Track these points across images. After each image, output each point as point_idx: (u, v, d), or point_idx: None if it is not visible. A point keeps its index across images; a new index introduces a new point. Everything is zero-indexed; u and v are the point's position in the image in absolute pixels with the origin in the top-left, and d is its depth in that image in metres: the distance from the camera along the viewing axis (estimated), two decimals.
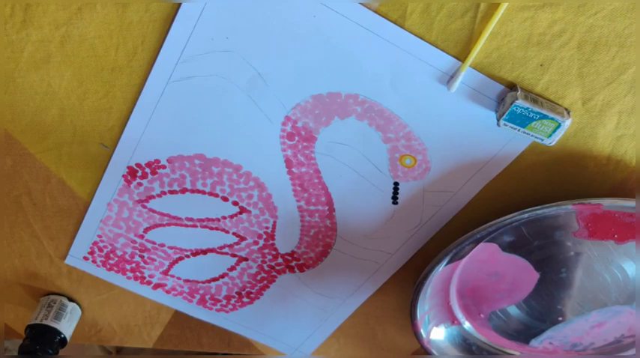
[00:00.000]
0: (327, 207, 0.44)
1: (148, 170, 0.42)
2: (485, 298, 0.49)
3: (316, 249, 0.47)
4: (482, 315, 0.50)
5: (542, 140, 0.37)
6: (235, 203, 0.44)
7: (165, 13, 0.34)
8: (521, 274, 0.46)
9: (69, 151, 0.40)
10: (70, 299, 0.51)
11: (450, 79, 0.36)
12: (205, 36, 0.35)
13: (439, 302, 0.49)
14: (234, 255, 0.47)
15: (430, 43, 0.35)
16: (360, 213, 0.44)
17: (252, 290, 0.50)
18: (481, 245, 0.44)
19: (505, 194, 0.41)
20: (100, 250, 0.47)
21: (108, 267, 0.48)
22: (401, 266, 0.47)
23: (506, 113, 0.35)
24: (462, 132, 0.38)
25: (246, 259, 0.48)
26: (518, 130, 0.36)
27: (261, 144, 0.40)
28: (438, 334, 0.51)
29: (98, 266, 0.48)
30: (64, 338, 0.49)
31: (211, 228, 0.45)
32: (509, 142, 0.39)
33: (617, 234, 0.42)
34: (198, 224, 0.45)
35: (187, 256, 0.47)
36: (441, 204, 0.43)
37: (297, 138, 0.40)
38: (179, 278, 0.49)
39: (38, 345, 0.48)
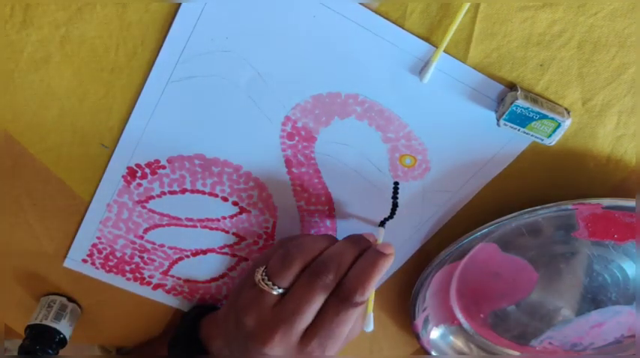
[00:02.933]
0: (327, 207, 0.44)
1: (147, 170, 0.42)
2: (485, 298, 0.49)
3: None
4: (482, 315, 0.50)
5: (542, 140, 0.37)
6: (235, 203, 0.44)
7: (165, 13, 0.34)
8: (521, 274, 0.46)
9: (69, 151, 0.40)
10: (70, 300, 0.51)
11: (423, 66, 0.35)
12: (205, 36, 0.35)
13: (439, 302, 0.49)
14: (234, 255, 0.47)
15: (430, 43, 0.35)
16: (360, 213, 0.44)
17: None
18: (481, 245, 0.44)
19: (505, 194, 0.41)
20: (99, 252, 0.47)
21: (107, 268, 0.48)
22: (401, 266, 0.47)
23: (506, 113, 0.35)
24: (461, 132, 0.38)
25: (246, 259, 0.48)
26: (518, 130, 0.36)
27: (261, 145, 0.40)
28: (437, 334, 0.51)
29: (97, 268, 0.48)
30: (64, 338, 0.49)
31: (211, 228, 0.45)
32: (509, 142, 0.39)
33: (617, 234, 0.42)
34: (198, 224, 0.45)
35: (187, 256, 0.47)
36: (440, 204, 0.43)
37: (297, 138, 0.40)
38: (179, 279, 0.49)
39: (38, 345, 0.48)
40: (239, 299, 0.40)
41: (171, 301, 0.51)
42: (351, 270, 0.38)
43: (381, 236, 0.41)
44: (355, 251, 0.39)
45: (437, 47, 0.34)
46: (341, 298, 0.37)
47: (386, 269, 0.38)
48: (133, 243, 0.46)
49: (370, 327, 0.39)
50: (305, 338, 0.37)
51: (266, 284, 0.38)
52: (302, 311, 0.37)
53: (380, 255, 0.38)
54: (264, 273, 0.39)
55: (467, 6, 0.33)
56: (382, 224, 0.43)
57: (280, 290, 0.38)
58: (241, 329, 0.39)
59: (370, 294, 0.38)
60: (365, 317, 0.39)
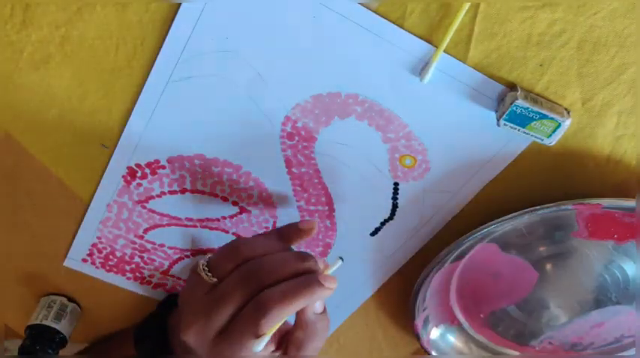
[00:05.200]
0: (327, 207, 0.44)
1: (147, 170, 0.42)
2: (485, 298, 0.49)
3: (316, 249, 0.47)
4: (482, 315, 0.50)
5: (542, 140, 0.37)
6: (235, 203, 0.44)
7: (165, 13, 0.34)
8: (520, 274, 0.46)
9: (69, 152, 0.40)
10: (70, 300, 0.51)
11: (423, 66, 0.35)
12: (205, 36, 0.35)
13: (439, 302, 0.49)
14: None
15: (430, 43, 0.35)
16: (360, 213, 0.44)
17: None
18: (481, 245, 0.44)
19: (505, 194, 0.41)
20: (100, 251, 0.47)
21: (107, 268, 0.48)
22: (401, 266, 0.47)
23: (506, 113, 0.35)
24: (461, 132, 0.38)
25: None
26: (518, 130, 0.36)
27: (261, 144, 0.40)
28: (437, 334, 0.51)
29: (97, 267, 0.48)
30: (64, 338, 0.49)
31: (211, 228, 0.45)
32: (509, 142, 0.39)
33: (617, 234, 0.42)
34: (198, 224, 0.45)
35: (187, 256, 0.47)
36: (440, 204, 0.43)
37: (297, 138, 0.40)
38: (179, 279, 0.49)
39: (38, 345, 0.48)
40: (185, 283, 0.40)
41: None
42: (281, 284, 0.35)
43: (334, 267, 0.37)
44: (297, 267, 0.36)
45: (437, 47, 0.34)
46: (255, 309, 0.34)
47: (317, 300, 0.36)
48: (133, 242, 0.46)
49: (259, 348, 0.35)
50: (220, 337, 0.36)
51: (202, 270, 0.37)
52: (220, 307, 0.35)
53: (317, 283, 0.35)
54: (205, 261, 0.38)
55: (467, 6, 0.33)
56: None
57: (214, 280, 0.37)
58: (178, 310, 0.39)
59: (287, 316, 0.35)
60: (259, 338, 0.35)
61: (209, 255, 0.38)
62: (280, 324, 0.35)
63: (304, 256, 0.37)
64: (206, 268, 0.37)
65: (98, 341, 0.55)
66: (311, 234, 0.39)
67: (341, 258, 0.38)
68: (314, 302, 0.36)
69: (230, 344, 0.35)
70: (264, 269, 0.35)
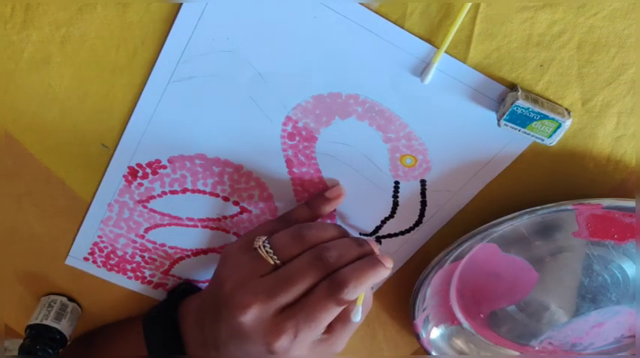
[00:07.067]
0: None
1: (148, 170, 0.42)
2: (485, 298, 0.49)
3: None
4: (482, 315, 0.50)
5: (543, 140, 0.37)
6: (236, 203, 0.44)
7: (166, 13, 0.34)
8: (521, 274, 0.46)
9: (69, 151, 0.40)
10: (71, 299, 0.51)
11: (424, 67, 0.35)
12: (206, 36, 0.35)
13: (439, 302, 0.49)
14: None
15: (430, 44, 0.35)
16: (360, 212, 0.44)
17: None
18: (481, 245, 0.44)
19: (505, 194, 0.41)
20: (101, 251, 0.47)
21: (108, 267, 0.48)
22: (401, 266, 0.47)
23: (507, 113, 0.35)
24: (462, 132, 0.39)
25: None
26: (519, 130, 0.36)
27: (261, 145, 0.40)
28: (437, 334, 0.51)
29: (99, 266, 0.48)
30: (64, 337, 0.49)
31: (212, 228, 0.45)
32: (509, 142, 0.39)
33: (617, 234, 0.42)
34: (198, 224, 0.45)
35: (188, 256, 0.48)
36: (441, 204, 0.43)
37: (297, 138, 0.40)
38: (180, 278, 0.49)
39: (38, 345, 0.48)
40: (226, 264, 0.40)
41: None
42: (351, 265, 0.38)
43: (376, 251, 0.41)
44: (360, 251, 0.39)
45: (437, 48, 0.34)
46: (332, 285, 0.37)
47: (381, 279, 0.38)
48: (134, 242, 0.46)
49: (358, 317, 0.39)
50: (282, 316, 0.37)
51: (266, 251, 0.38)
52: (290, 286, 0.37)
53: (381, 264, 0.38)
54: (266, 242, 0.39)
55: (468, 6, 0.33)
56: (378, 240, 0.44)
57: (278, 262, 0.38)
58: (220, 292, 0.38)
59: (360, 293, 0.38)
60: (354, 308, 0.38)
61: (264, 237, 0.39)
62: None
63: (361, 241, 0.40)
64: (270, 251, 0.38)
65: (99, 330, 0.55)
66: (340, 200, 0.42)
67: (379, 241, 0.43)
68: (378, 280, 0.39)
69: (299, 320, 0.37)
70: (335, 252, 0.38)
